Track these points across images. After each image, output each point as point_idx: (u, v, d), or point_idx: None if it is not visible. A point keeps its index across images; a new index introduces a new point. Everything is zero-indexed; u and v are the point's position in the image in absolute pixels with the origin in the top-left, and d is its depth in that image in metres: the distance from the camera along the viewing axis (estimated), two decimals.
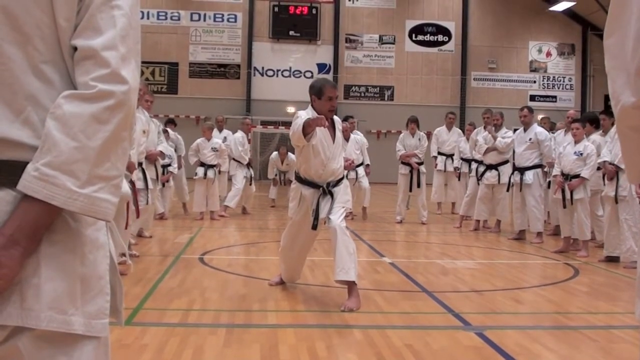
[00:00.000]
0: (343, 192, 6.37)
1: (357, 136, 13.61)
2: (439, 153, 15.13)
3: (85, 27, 1.48)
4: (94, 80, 1.45)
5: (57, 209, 1.43)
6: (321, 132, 6.24)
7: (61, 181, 1.40)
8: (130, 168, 7.30)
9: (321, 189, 6.26)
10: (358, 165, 13.21)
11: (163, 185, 12.40)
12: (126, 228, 7.58)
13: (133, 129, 1.57)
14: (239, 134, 14.17)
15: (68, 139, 1.41)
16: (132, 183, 7.58)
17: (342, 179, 6.46)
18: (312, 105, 6.38)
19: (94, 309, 1.52)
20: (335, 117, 6.56)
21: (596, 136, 10.15)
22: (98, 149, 1.44)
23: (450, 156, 14.92)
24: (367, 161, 13.91)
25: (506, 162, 11.89)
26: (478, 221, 12.62)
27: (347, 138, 12.86)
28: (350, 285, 6.01)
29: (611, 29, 1.43)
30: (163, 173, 12.16)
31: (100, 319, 1.53)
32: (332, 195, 6.25)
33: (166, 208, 13.00)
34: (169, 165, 12.35)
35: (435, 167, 15.26)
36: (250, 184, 14.21)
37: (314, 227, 6.21)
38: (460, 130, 15.50)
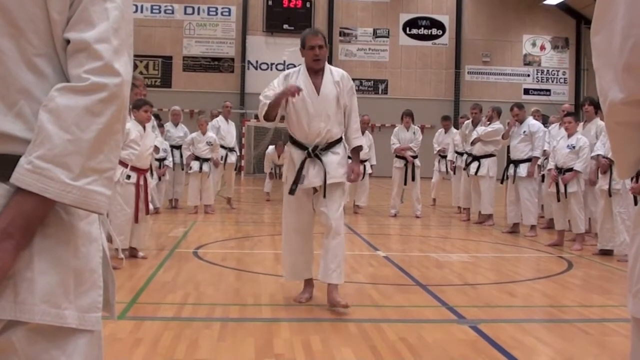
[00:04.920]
0: (337, 164, 5.76)
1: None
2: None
3: (78, 20, 1.48)
4: (86, 72, 1.44)
5: (50, 202, 1.42)
6: (303, 85, 5.74)
7: (55, 174, 1.40)
8: None
9: (307, 151, 5.76)
10: (364, 161, 13.36)
11: (159, 179, 12.43)
12: (137, 222, 7.57)
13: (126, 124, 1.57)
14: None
15: (61, 131, 1.40)
16: (144, 180, 7.57)
17: (336, 143, 5.84)
18: None
19: (87, 303, 1.51)
20: (334, 68, 5.98)
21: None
22: (91, 141, 1.43)
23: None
24: (374, 161, 14.01)
25: (490, 155, 12.00)
26: (467, 210, 12.94)
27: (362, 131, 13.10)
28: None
29: (598, 27, 1.44)
30: (159, 167, 12.20)
31: (93, 313, 1.53)
32: (321, 161, 5.71)
33: (161, 202, 12.98)
34: (165, 159, 12.37)
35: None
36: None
37: (291, 192, 5.73)
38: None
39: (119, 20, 1.51)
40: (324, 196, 5.68)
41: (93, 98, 1.44)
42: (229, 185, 14.40)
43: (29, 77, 1.45)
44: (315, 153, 5.75)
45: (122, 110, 1.50)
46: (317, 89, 5.79)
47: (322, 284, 5.81)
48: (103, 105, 1.45)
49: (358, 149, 5.97)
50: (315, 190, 5.81)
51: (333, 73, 5.89)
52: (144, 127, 7.60)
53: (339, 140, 5.87)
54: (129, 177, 7.37)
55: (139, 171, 7.50)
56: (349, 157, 6.03)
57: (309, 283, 6.04)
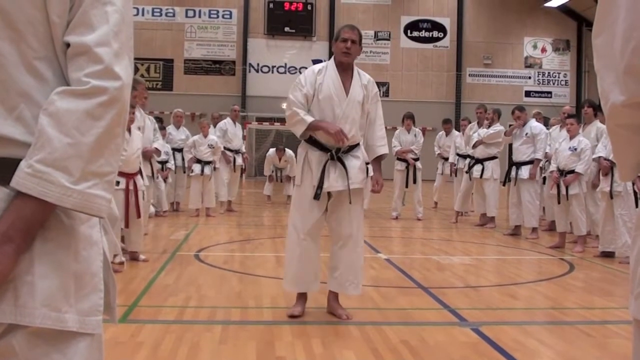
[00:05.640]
0: (358, 169, 5.53)
1: None
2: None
3: (78, 23, 1.48)
4: (87, 76, 1.44)
5: (50, 206, 1.42)
6: (332, 84, 5.45)
7: (55, 178, 1.40)
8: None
9: (329, 154, 5.45)
10: (367, 164, 13.37)
11: (164, 181, 12.50)
12: (127, 227, 7.54)
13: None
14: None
15: (61, 135, 1.40)
16: (134, 184, 7.52)
17: (356, 146, 5.58)
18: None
19: (87, 306, 1.51)
20: (361, 71, 5.71)
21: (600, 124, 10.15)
22: (92, 145, 1.43)
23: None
24: None
25: (493, 157, 12.01)
26: (458, 213, 13.24)
27: None
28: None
29: (599, 29, 1.44)
30: (162, 169, 12.26)
31: (94, 316, 1.53)
32: (343, 164, 5.44)
33: (166, 205, 13.00)
34: (167, 161, 12.44)
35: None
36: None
37: (317, 196, 5.38)
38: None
39: (119, 23, 1.51)
40: (350, 202, 5.46)
41: (93, 102, 1.44)
42: (232, 187, 14.38)
43: (29, 80, 1.45)
44: (337, 156, 5.46)
45: (123, 114, 1.50)
46: (346, 90, 5.48)
47: (322, 286, 5.79)
48: (103, 109, 1.45)
49: (382, 157, 5.74)
50: (329, 195, 5.54)
51: (361, 76, 5.63)
52: (129, 130, 7.51)
53: (358, 144, 5.62)
54: (118, 183, 7.30)
55: (128, 176, 7.43)
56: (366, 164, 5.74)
57: (304, 295, 5.66)
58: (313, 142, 5.53)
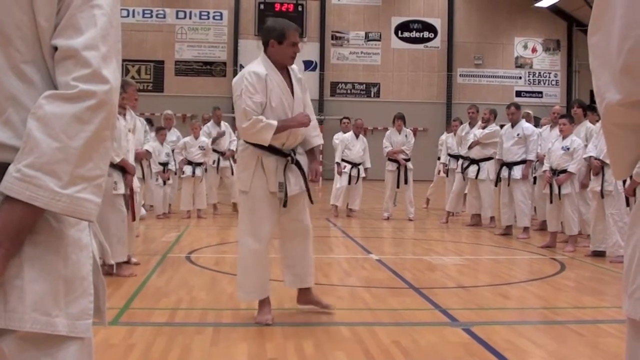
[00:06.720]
0: (306, 167, 5.48)
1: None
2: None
3: (66, 26, 1.47)
4: (75, 80, 1.44)
5: (39, 210, 1.42)
6: (279, 89, 5.26)
7: (43, 182, 1.39)
8: (130, 170, 7.22)
9: (289, 158, 5.32)
10: (358, 164, 13.72)
11: (164, 183, 12.51)
12: (134, 220, 7.50)
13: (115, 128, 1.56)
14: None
15: (50, 139, 1.40)
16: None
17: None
18: (265, 52, 5.36)
19: (77, 310, 1.51)
20: (294, 66, 5.49)
21: (588, 123, 10.22)
22: (80, 149, 1.43)
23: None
24: (368, 164, 14.04)
25: (489, 158, 12.01)
26: (449, 213, 13.23)
27: (357, 135, 13.85)
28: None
29: (595, 28, 1.44)
30: (163, 171, 12.32)
31: (84, 320, 1.52)
32: (299, 166, 5.37)
33: (161, 208, 12.97)
34: (168, 163, 12.48)
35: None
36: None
37: (285, 204, 5.27)
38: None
39: (107, 26, 1.50)
40: (310, 203, 5.46)
41: (81, 106, 1.43)
42: (230, 188, 14.17)
43: (16, 84, 1.45)
44: (295, 159, 5.36)
45: (111, 117, 1.49)
46: (291, 89, 5.35)
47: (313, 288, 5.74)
48: (91, 113, 1.44)
49: (318, 147, 5.62)
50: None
51: (294, 70, 5.44)
52: None
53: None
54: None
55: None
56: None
57: (267, 300, 5.43)
58: (265, 147, 5.29)
